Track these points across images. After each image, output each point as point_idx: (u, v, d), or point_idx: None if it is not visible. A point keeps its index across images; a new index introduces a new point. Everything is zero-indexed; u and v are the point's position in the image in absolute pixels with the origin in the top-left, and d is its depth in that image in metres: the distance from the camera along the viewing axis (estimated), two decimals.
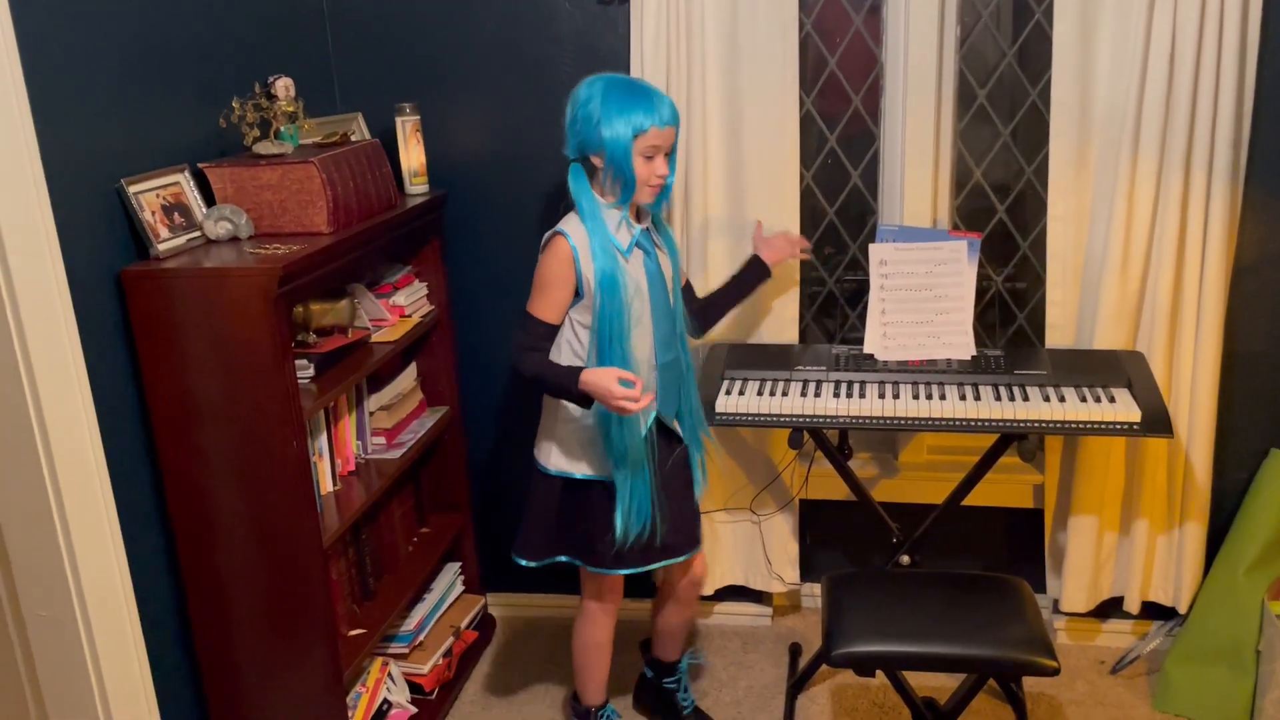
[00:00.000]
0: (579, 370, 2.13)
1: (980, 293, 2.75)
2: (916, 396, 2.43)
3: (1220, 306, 2.52)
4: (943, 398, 2.42)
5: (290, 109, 2.32)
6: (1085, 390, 2.41)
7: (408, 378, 2.81)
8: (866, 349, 2.60)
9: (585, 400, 2.14)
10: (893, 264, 2.64)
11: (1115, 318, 2.56)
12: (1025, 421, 2.33)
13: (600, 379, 2.08)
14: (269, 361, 2.03)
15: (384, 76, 2.81)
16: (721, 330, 2.67)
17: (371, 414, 2.66)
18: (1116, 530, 2.76)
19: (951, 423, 2.36)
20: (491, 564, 3.18)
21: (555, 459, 2.33)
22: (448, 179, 2.84)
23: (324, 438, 2.39)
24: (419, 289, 2.78)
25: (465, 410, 3.01)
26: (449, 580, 2.99)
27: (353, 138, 2.66)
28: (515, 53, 2.75)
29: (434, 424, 2.84)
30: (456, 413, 2.94)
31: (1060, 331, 2.67)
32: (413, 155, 2.67)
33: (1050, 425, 2.33)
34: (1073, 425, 2.32)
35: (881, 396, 2.44)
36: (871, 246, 2.64)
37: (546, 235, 2.21)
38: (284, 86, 2.32)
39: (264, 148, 2.27)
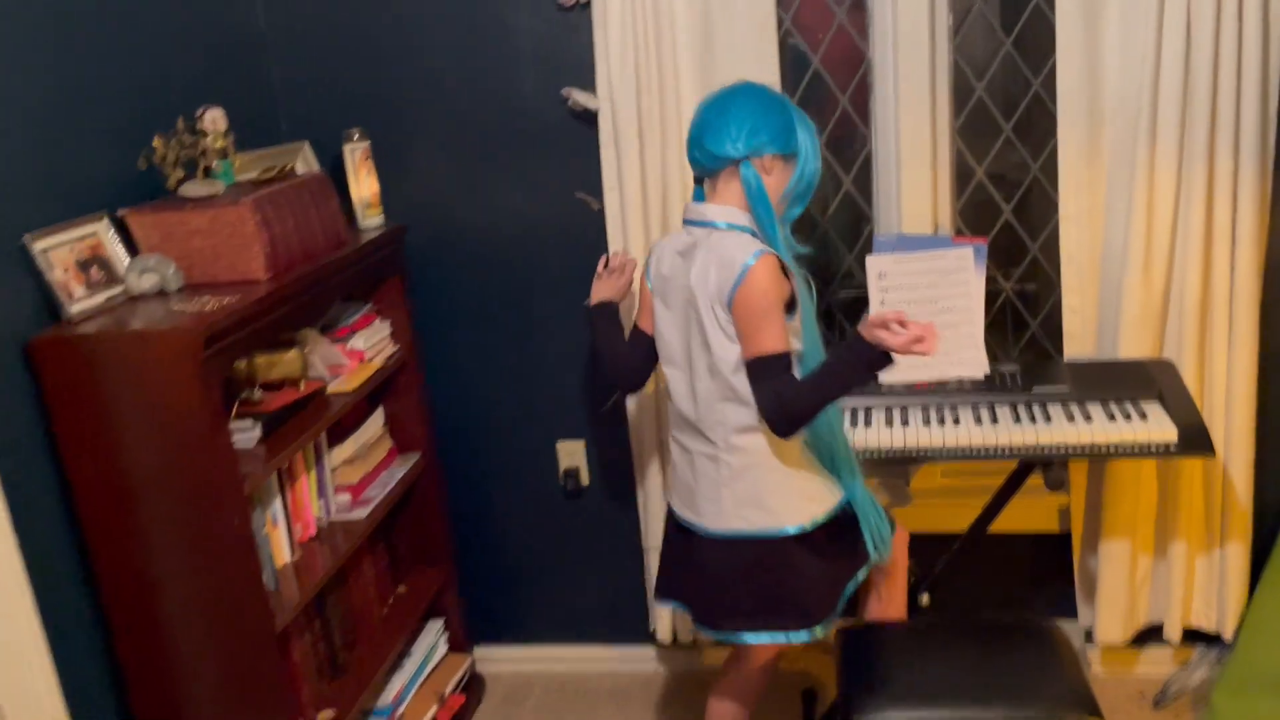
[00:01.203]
0: (855, 341, 1.78)
1: (989, 299, 2.53)
2: (928, 422, 2.21)
3: (1254, 305, 2.30)
4: (956, 422, 2.20)
5: (221, 144, 2.10)
6: (1113, 406, 2.19)
7: (374, 425, 2.59)
8: None
9: (875, 366, 1.80)
10: (892, 276, 2.42)
11: (1140, 323, 2.34)
12: (1049, 446, 2.11)
13: (886, 317, 1.75)
14: (202, 430, 1.80)
15: (332, 102, 2.59)
16: None
17: (334, 469, 2.44)
18: (1151, 553, 2.54)
19: (968, 451, 2.14)
20: (480, 615, 2.96)
21: (799, 506, 1.94)
22: (408, 209, 2.62)
23: (277, 504, 2.17)
24: (381, 329, 2.56)
25: (440, 455, 2.79)
26: (431, 641, 2.76)
27: (298, 170, 2.44)
28: (474, 70, 2.53)
29: (405, 473, 2.62)
30: (431, 459, 2.72)
31: (1079, 341, 2.45)
32: (364, 186, 2.45)
33: (1077, 450, 2.10)
34: (1102, 449, 2.10)
35: (889, 424, 2.22)
36: (869, 259, 2.42)
37: (750, 260, 1.79)
38: (213, 119, 2.10)
39: (192, 189, 2.05)
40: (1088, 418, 2.15)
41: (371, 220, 2.48)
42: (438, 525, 2.77)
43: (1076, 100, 2.28)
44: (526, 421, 2.79)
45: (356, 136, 2.43)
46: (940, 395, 2.28)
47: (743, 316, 1.81)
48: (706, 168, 1.89)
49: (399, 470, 2.63)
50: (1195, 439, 2.07)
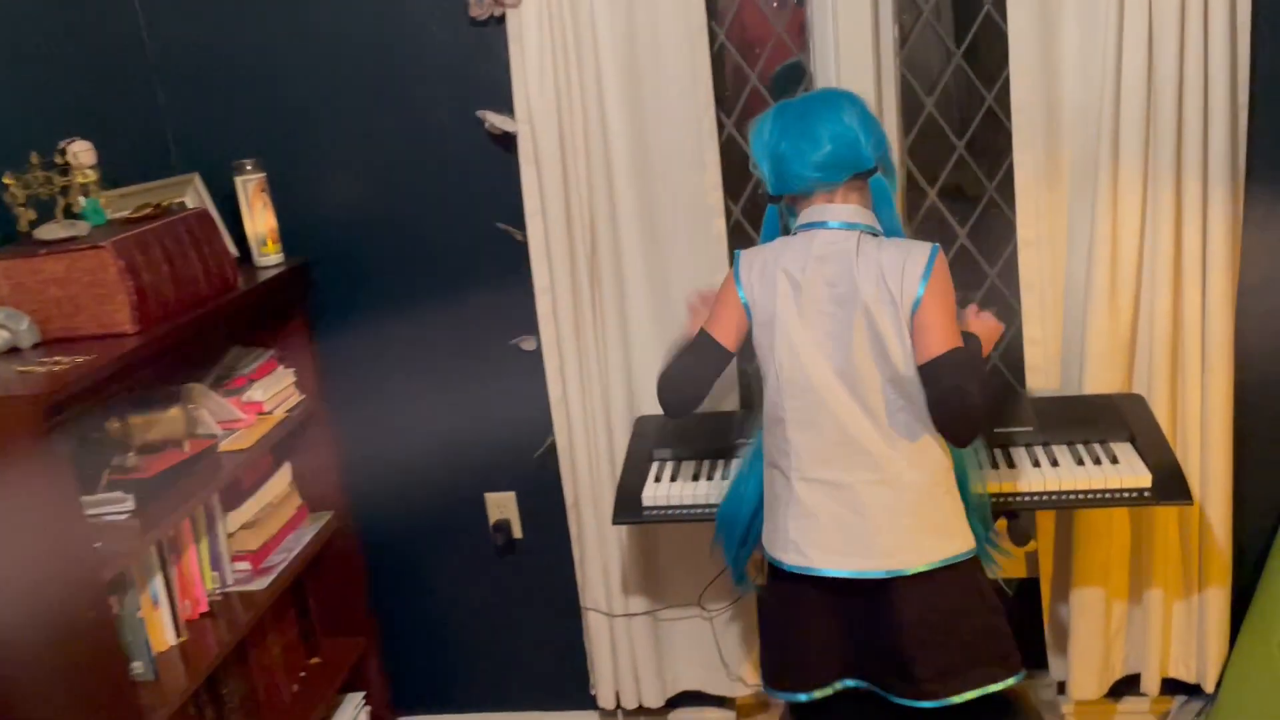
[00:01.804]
0: (968, 337, 1.73)
1: None
2: None
3: (1228, 335, 2.13)
4: None
5: (85, 179, 1.87)
6: (1081, 448, 2.01)
7: (279, 484, 2.36)
8: None
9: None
10: None
11: (1107, 355, 2.16)
12: (1013, 496, 1.92)
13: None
14: (47, 509, 1.57)
15: (227, 130, 2.36)
16: (650, 399, 2.22)
17: (231, 535, 2.20)
18: (1126, 599, 2.36)
19: None
20: (407, 684, 2.72)
21: (969, 530, 1.76)
22: (315, 244, 2.40)
23: (158, 581, 1.93)
24: (283, 377, 2.33)
25: (357, 513, 2.55)
26: (350, 716, 2.52)
27: (189, 205, 2.22)
28: (382, 92, 2.32)
29: (315, 534, 2.39)
30: (345, 518, 2.48)
31: (1043, 374, 2.27)
32: (259, 220, 2.22)
33: (1044, 498, 1.92)
34: (1071, 497, 1.91)
35: None
36: None
37: (933, 248, 1.69)
38: (76, 153, 1.87)
39: (48, 231, 1.82)
40: (1054, 462, 1.97)
41: (269, 258, 2.25)
42: (355, 590, 2.53)
43: (1033, 117, 2.10)
44: (451, 472, 2.56)
45: (250, 167, 2.21)
46: None
47: (931, 310, 1.65)
48: (826, 182, 1.72)
49: (308, 532, 2.40)
50: (1171, 484, 1.89)
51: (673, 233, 2.26)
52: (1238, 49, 2.01)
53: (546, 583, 2.61)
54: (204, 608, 2.07)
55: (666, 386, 1.80)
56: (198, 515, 2.08)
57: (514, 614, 2.66)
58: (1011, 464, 1.98)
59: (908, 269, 1.65)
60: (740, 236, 2.42)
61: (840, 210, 1.72)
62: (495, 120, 2.21)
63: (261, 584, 2.17)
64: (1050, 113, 2.11)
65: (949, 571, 1.69)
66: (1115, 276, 2.13)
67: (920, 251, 1.67)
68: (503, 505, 2.58)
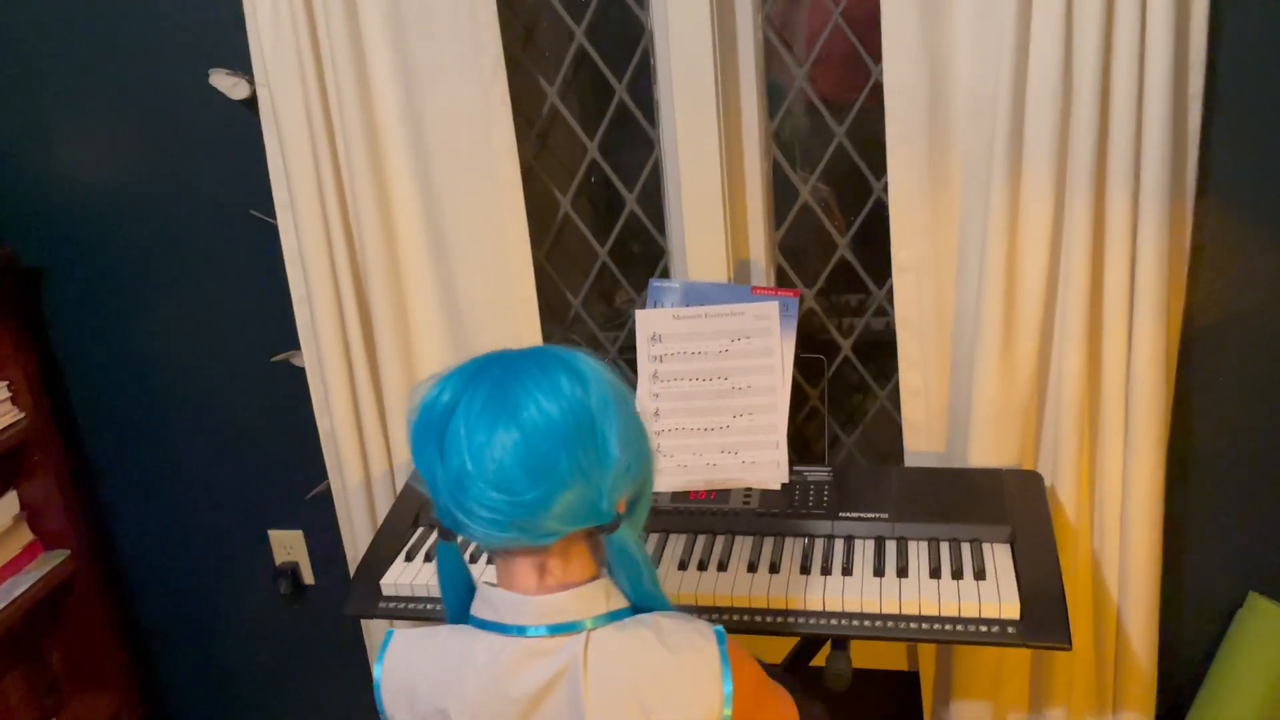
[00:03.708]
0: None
1: (808, 373, 1.85)
2: (684, 565, 1.55)
3: (1161, 396, 1.60)
4: (721, 568, 1.53)
5: None
6: (942, 548, 1.52)
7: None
8: None
9: None
10: (670, 340, 1.74)
11: (997, 419, 1.66)
12: (826, 618, 1.44)
13: None
14: None
15: None
16: None
17: None
18: (1025, 711, 1.87)
19: (722, 614, 1.47)
20: None
21: None
22: (41, 236, 1.95)
23: None
24: None
25: (109, 550, 2.14)
26: None
27: None
28: (115, 49, 1.84)
29: (44, 576, 1.98)
30: (85, 555, 2.07)
31: (923, 433, 1.76)
32: None
33: (868, 626, 1.43)
34: (906, 627, 1.42)
35: None
36: (639, 314, 1.74)
37: (716, 635, 1.07)
38: None
39: None
40: (901, 570, 1.48)
41: None
42: (104, 640, 2.13)
43: (911, 105, 1.57)
44: (225, 506, 2.13)
45: None
46: (717, 513, 1.62)
47: None
48: (532, 543, 1.04)
49: (35, 574, 1.99)
50: (1046, 620, 1.39)
51: (459, 224, 1.78)
52: (1190, 19, 1.46)
53: (341, 636, 2.18)
54: None
55: None
56: None
57: (302, 669, 2.24)
58: (848, 569, 1.49)
59: (691, 690, 1.04)
60: (570, 235, 1.93)
61: (538, 605, 1.05)
62: (224, 84, 1.73)
63: None
64: (934, 99, 1.57)
65: None
66: (1011, 316, 1.61)
67: (698, 659, 1.05)
68: (289, 544, 2.15)
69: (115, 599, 2.16)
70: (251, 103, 1.77)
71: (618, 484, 1.05)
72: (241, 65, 1.74)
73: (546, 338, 1.94)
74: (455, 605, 1.13)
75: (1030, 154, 1.53)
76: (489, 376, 1.03)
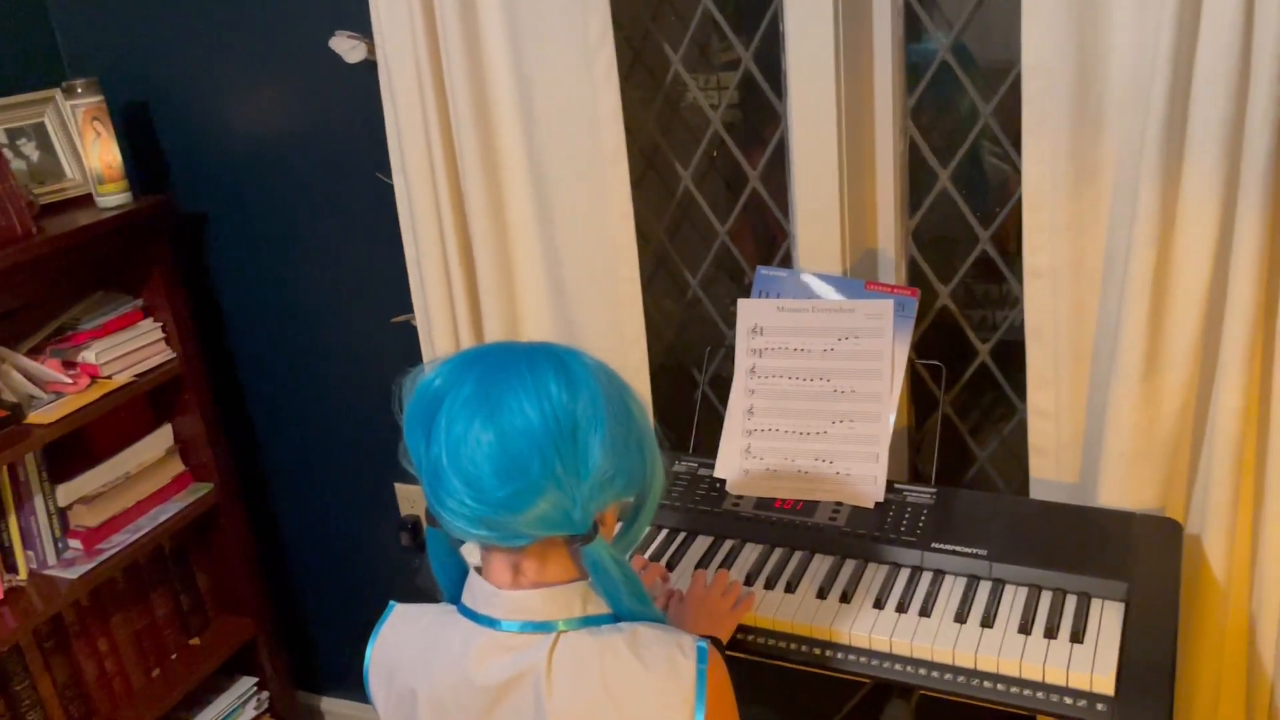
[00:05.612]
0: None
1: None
2: (749, 579, 1.45)
3: None
4: (789, 589, 1.42)
5: None
6: (1042, 599, 1.33)
7: (148, 450, 2.09)
8: (719, 473, 1.62)
9: None
10: (772, 333, 1.62)
11: (1135, 456, 1.43)
12: (880, 659, 1.30)
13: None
14: None
15: (117, 36, 2.04)
16: None
17: (68, 509, 1.98)
18: None
19: (774, 645, 1.36)
20: (313, 667, 2.47)
21: None
22: (196, 185, 2.06)
23: None
24: (143, 332, 2.03)
25: (252, 486, 2.27)
26: (234, 698, 2.28)
27: (47, 125, 1.93)
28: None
29: (190, 505, 2.13)
30: (230, 489, 2.20)
31: (1051, 460, 1.56)
32: (94, 154, 1.89)
33: (932, 677, 1.28)
34: (978, 685, 1.26)
35: (704, 563, 1.49)
36: (741, 303, 1.64)
37: (697, 665, 1.00)
38: None
39: None
40: (986, 620, 1.31)
41: (109, 198, 1.92)
42: (243, 567, 2.26)
43: (1054, 86, 1.36)
44: (356, 456, 2.21)
45: (81, 90, 1.86)
46: (800, 527, 1.50)
47: None
48: (502, 544, 1.01)
49: (183, 502, 2.14)
50: (1145, 700, 1.19)
51: (564, 196, 1.72)
52: None
53: None
54: None
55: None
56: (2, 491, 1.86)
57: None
58: (927, 611, 1.34)
59: (657, 709, 0.97)
60: (691, 209, 1.83)
61: (511, 600, 1.02)
62: (343, 46, 1.74)
63: (74, 572, 1.92)
64: (1082, 82, 1.35)
65: None
66: (1159, 339, 1.38)
67: (672, 669, 0.97)
68: (413, 499, 2.21)
69: (254, 532, 2.29)
70: (372, 65, 1.77)
71: (597, 495, 0.99)
72: (353, 27, 1.75)
73: (663, 318, 1.86)
74: (450, 586, 1.12)
75: (1194, 149, 1.28)
76: (478, 369, 1.00)
